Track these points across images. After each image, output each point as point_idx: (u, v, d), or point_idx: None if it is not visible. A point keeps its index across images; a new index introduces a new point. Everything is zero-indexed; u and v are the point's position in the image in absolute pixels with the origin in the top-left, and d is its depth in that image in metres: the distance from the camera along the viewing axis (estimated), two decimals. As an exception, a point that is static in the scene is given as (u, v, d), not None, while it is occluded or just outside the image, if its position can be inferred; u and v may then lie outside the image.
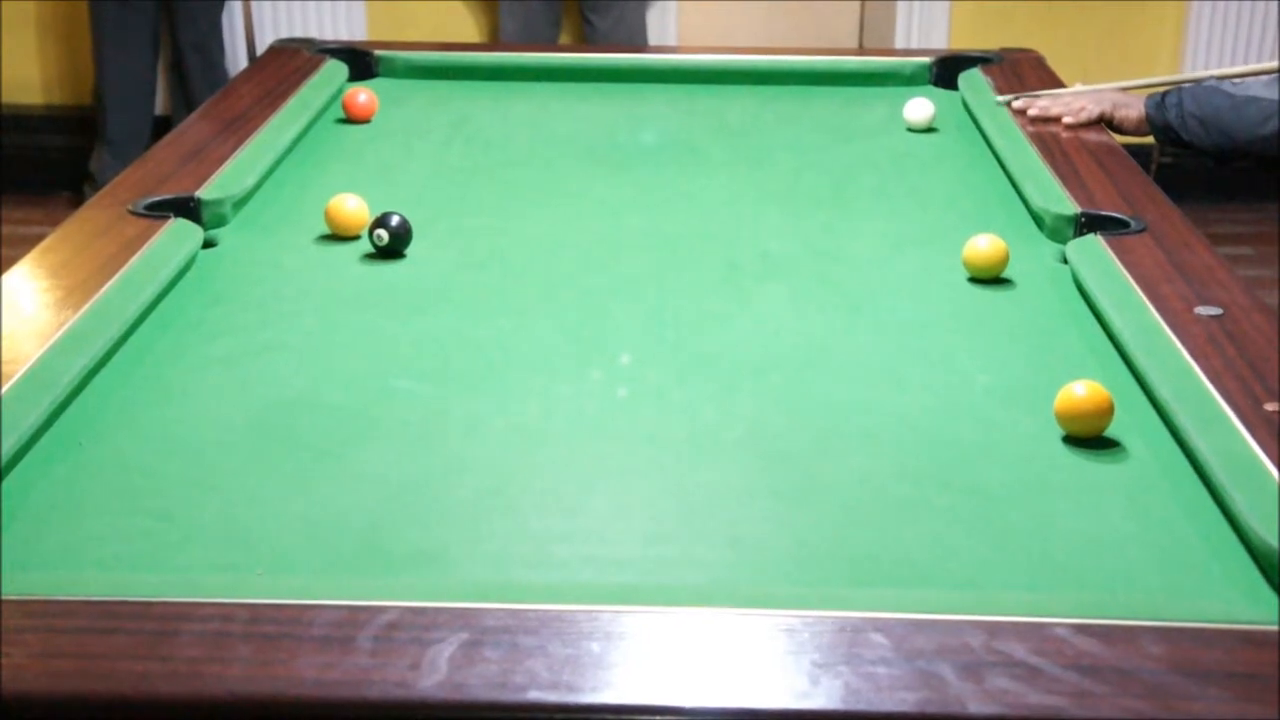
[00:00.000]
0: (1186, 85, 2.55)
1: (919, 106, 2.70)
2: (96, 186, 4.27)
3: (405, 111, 2.82)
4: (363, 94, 2.75)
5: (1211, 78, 2.57)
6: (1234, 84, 2.50)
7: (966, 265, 2.01)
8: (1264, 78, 2.48)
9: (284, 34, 4.70)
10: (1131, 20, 5.07)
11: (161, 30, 4.76)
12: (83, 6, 4.79)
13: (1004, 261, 1.99)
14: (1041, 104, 2.63)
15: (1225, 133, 2.45)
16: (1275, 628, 1.18)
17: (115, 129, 4.73)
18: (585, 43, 4.77)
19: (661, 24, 4.97)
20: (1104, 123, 2.60)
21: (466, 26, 4.98)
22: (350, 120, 2.73)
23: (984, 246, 2.00)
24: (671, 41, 4.97)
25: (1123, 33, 5.08)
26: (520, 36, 4.64)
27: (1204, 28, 5.02)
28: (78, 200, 4.58)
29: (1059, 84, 2.82)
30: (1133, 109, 2.57)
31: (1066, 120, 2.58)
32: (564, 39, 4.86)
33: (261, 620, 1.17)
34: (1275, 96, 2.40)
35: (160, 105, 4.91)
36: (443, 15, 4.93)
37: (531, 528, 1.40)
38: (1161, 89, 2.58)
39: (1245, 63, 5.01)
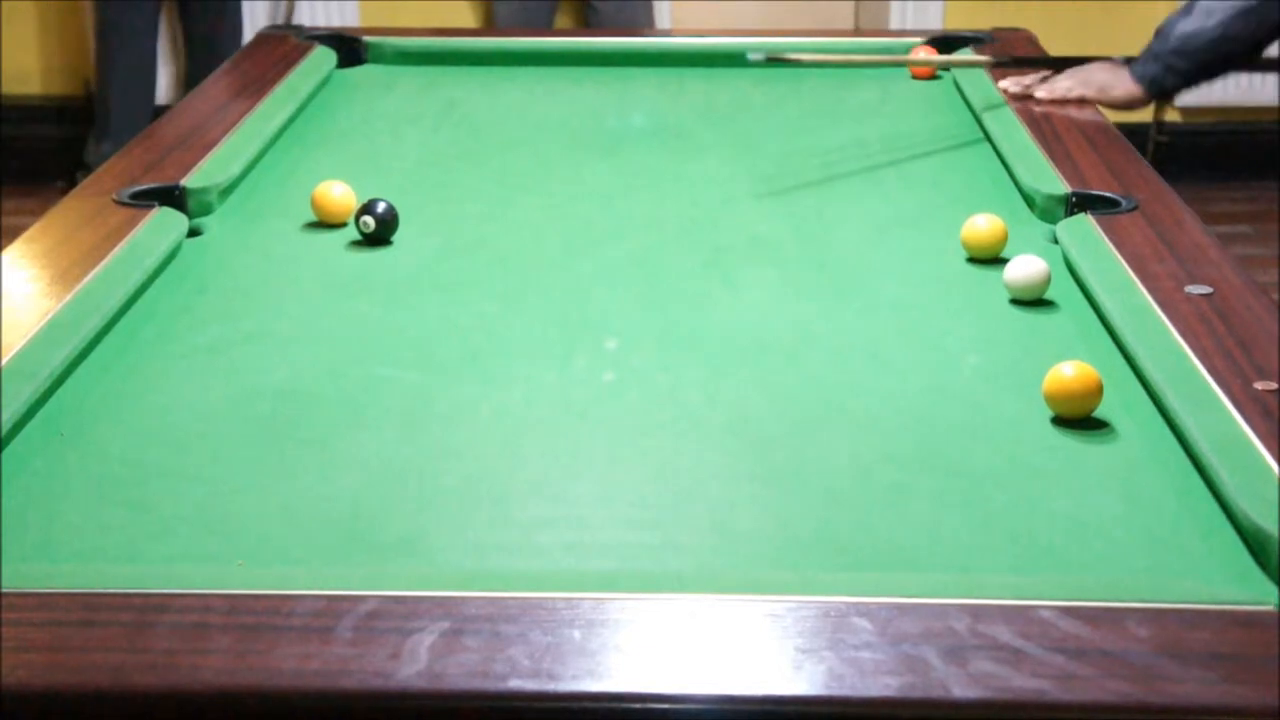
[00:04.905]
0: (1154, 50, 2.52)
1: (1024, 266, 1.86)
2: None
3: (393, 97, 2.81)
4: (923, 52, 2.88)
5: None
6: (1186, 14, 2.49)
7: (965, 245, 1.99)
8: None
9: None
10: (1126, 3, 5.05)
11: (166, 22, 4.72)
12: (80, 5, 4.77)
13: (1003, 240, 1.98)
14: (1026, 81, 2.62)
15: (1232, 50, 2.46)
16: (1263, 608, 1.18)
17: (119, 121, 4.69)
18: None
19: (656, 14, 4.94)
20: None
21: (460, 22, 4.95)
22: (917, 79, 2.89)
23: (983, 226, 1.99)
24: (666, 32, 4.95)
25: (1117, 17, 5.05)
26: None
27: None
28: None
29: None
30: (1118, 88, 2.55)
31: (1039, 94, 2.57)
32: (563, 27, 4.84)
33: (240, 611, 1.16)
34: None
35: (161, 95, 4.89)
36: (435, 15, 4.89)
37: (514, 515, 1.39)
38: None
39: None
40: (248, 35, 4.79)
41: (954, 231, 2.01)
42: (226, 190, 2.20)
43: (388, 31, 3.10)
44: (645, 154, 2.52)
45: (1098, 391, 1.54)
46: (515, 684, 1.08)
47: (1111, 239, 1.92)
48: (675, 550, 1.34)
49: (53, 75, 5.14)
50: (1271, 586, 1.22)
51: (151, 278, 1.88)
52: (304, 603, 1.16)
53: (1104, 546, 1.33)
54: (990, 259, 1.97)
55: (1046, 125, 2.44)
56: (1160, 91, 2.52)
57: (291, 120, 2.55)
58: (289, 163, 2.39)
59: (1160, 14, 5.07)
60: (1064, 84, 2.59)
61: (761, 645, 1.13)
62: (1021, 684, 1.08)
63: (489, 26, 4.87)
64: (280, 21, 4.71)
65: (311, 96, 2.69)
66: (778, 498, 1.42)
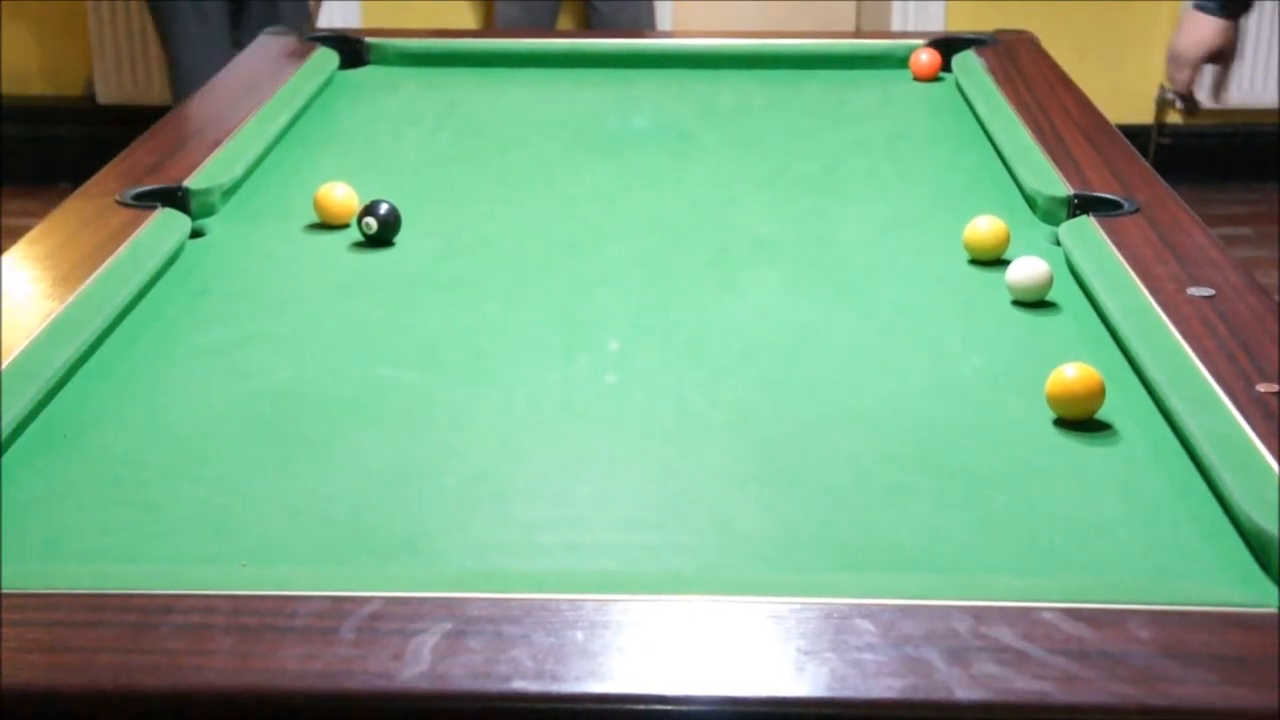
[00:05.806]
0: None
1: (1026, 267, 1.86)
2: None
3: (396, 99, 2.81)
4: (925, 54, 2.84)
5: None
6: None
7: (967, 247, 1.99)
8: None
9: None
10: (1127, 4, 5.05)
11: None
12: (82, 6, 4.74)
13: (1005, 242, 1.98)
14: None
15: None
16: (1265, 610, 1.18)
17: None
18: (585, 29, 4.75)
19: (658, 15, 4.94)
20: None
21: (462, 23, 4.95)
22: (919, 80, 2.85)
23: (985, 228, 1.99)
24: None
25: (1118, 17, 5.06)
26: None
27: (1200, 8, 4.99)
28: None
29: (1054, 67, 2.81)
30: (1195, 35, 2.61)
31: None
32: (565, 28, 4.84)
33: (243, 612, 1.16)
34: None
35: (162, 96, 4.87)
36: (437, 16, 4.89)
37: (517, 515, 1.39)
38: None
39: (1241, 45, 4.99)
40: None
41: (956, 233, 2.02)
42: (229, 191, 2.20)
43: (390, 33, 3.10)
44: (646, 155, 2.52)
45: (1100, 393, 1.54)
46: (518, 685, 1.08)
47: (1113, 241, 1.92)
48: (677, 551, 1.34)
49: (53, 75, 5.14)
50: (1273, 588, 1.23)
51: (154, 279, 1.89)
52: (307, 604, 1.17)
53: (1106, 548, 1.33)
54: (992, 260, 1.97)
55: (1049, 126, 2.44)
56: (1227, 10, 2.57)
57: (294, 121, 2.55)
58: (291, 164, 2.39)
59: (1160, 14, 5.10)
60: (1180, 79, 2.64)
61: (764, 647, 1.13)
62: (1024, 686, 1.08)
63: (491, 28, 4.88)
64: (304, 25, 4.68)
65: (314, 98, 2.69)
66: (780, 499, 1.42)
